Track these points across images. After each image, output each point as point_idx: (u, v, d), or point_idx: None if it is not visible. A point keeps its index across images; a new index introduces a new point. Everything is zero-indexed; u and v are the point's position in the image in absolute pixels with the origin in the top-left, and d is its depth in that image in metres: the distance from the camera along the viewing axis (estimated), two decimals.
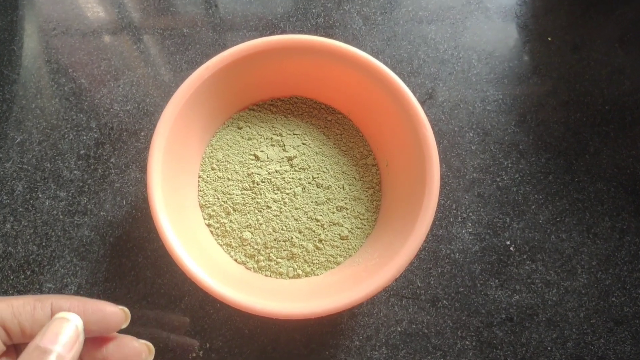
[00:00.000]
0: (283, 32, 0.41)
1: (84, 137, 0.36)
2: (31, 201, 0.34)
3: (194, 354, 0.32)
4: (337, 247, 0.32)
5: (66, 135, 0.36)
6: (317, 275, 0.32)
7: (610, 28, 0.40)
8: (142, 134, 0.37)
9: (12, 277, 0.33)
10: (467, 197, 0.36)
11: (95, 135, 0.36)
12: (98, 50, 0.38)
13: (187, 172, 0.32)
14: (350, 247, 0.32)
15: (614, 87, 0.38)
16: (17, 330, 0.22)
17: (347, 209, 0.33)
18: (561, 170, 0.36)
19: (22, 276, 0.33)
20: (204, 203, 0.32)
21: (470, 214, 0.36)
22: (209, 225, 0.32)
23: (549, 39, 0.39)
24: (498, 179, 0.36)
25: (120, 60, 0.38)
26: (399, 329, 0.33)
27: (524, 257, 0.34)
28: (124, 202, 0.35)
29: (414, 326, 0.33)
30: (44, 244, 0.33)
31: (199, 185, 0.33)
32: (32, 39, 0.38)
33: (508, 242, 0.35)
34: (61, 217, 0.34)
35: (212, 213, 0.32)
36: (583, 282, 0.33)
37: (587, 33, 0.40)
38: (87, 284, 0.33)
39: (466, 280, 0.34)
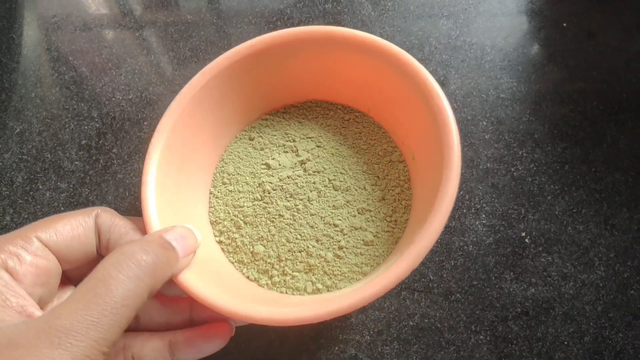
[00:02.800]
0: (290, 19, 0.43)
1: (85, 127, 0.37)
2: (31, 193, 0.35)
3: None
4: (361, 254, 0.30)
5: (67, 125, 0.37)
6: (340, 289, 0.30)
7: (628, 14, 0.42)
8: (145, 123, 0.39)
9: None
10: (480, 187, 0.38)
11: (97, 125, 0.38)
12: (99, 38, 0.41)
13: (196, 188, 0.33)
14: (377, 253, 0.31)
15: (632, 75, 0.40)
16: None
17: (370, 211, 0.31)
18: (578, 160, 0.38)
19: None
20: (214, 219, 0.33)
21: (484, 205, 0.37)
22: (220, 242, 0.32)
23: (564, 25, 0.41)
24: (513, 169, 0.38)
25: (122, 48, 0.40)
26: (411, 323, 0.34)
27: (540, 249, 0.36)
28: (127, 193, 0.36)
29: (427, 320, 0.34)
30: None
31: (210, 202, 0.34)
32: (31, 27, 0.40)
33: (523, 234, 0.36)
34: (62, 208, 0.36)
35: (222, 229, 0.32)
36: (600, 274, 0.35)
37: (604, 19, 0.42)
38: None
39: (480, 273, 0.35)
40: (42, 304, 0.24)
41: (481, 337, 0.33)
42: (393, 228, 0.31)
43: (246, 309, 0.25)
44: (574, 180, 0.37)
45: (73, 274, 0.27)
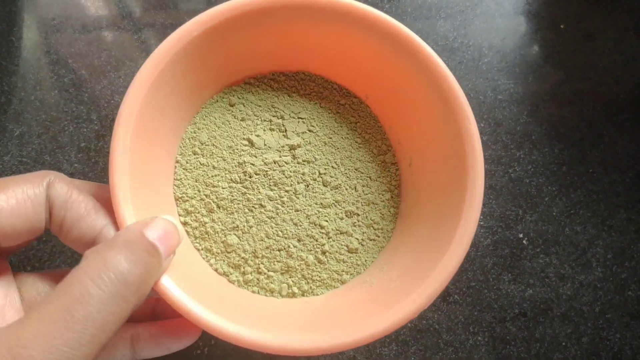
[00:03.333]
0: None
1: (85, 130, 0.38)
2: None
3: (199, 351, 0.33)
4: (343, 261, 0.29)
5: (66, 128, 0.38)
6: (317, 295, 0.29)
7: (625, 15, 0.43)
8: None
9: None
10: None
11: (96, 128, 0.38)
12: (98, 41, 0.40)
13: (161, 155, 0.28)
14: (359, 262, 0.30)
15: (630, 76, 0.41)
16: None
17: (358, 215, 0.30)
18: (575, 161, 0.39)
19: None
20: (180, 195, 0.29)
21: (482, 206, 0.37)
22: (184, 223, 0.28)
23: (562, 26, 0.42)
24: (510, 171, 0.39)
25: (121, 50, 0.40)
26: (409, 325, 0.35)
27: (538, 250, 0.37)
28: None
29: (425, 322, 0.35)
30: (44, 239, 0.35)
31: (175, 173, 0.29)
32: (31, 30, 0.40)
33: (521, 235, 0.37)
34: None
35: (189, 208, 0.29)
36: (598, 275, 0.36)
37: (601, 20, 0.42)
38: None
39: (478, 275, 0.36)
40: None
41: (479, 338, 0.35)
42: (378, 237, 0.30)
43: (237, 332, 0.22)
44: (572, 181, 0.38)
45: (8, 247, 0.22)
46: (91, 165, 0.37)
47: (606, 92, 0.41)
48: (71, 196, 0.23)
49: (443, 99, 0.27)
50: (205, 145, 0.29)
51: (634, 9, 0.43)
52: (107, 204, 0.24)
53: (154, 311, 0.27)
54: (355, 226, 0.30)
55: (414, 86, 0.29)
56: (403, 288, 0.25)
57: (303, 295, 0.28)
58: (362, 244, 0.29)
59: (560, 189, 0.38)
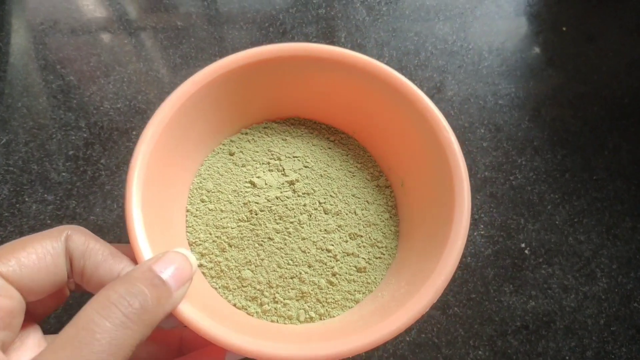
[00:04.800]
0: (282, 24, 0.43)
1: (73, 137, 0.38)
2: (17, 205, 0.36)
3: None
4: (354, 281, 0.32)
5: (54, 135, 0.38)
6: (334, 317, 0.32)
7: (627, 17, 0.44)
8: (134, 133, 0.39)
9: None
10: (478, 197, 0.39)
11: (85, 135, 0.38)
12: (87, 46, 0.41)
13: (172, 207, 0.32)
14: (369, 280, 0.32)
15: (633, 79, 0.41)
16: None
17: (361, 236, 0.33)
18: (578, 168, 0.38)
19: None
20: (193, 240, 0.32)
21: (483, 215, 0.38)
22: (200, 265, 0.31)
23: (564, 29, 0.43)
24: (511, 178, 0.39)
25: (111, 55, 0.41)
26: (408, 339, 0.35)
27: (540, 260, 0.36)
28: (115, 205, 0.36)
29: (424, 335, 0.35)
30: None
31: (187, 221, 0.33)
32: (19, 35, 0.41)
33: (523, 245, 0.37)
34: (49, 221, 0.36)
35: (203, 251, 0.31)
36: (603, 286, 0.35)
37: (603, 22, 0.43)
38: (76, 293, 0.31)
39: (478, 286, 0.36)
40: (4, 347, 0.22)
41: (480, 352, 0.34)
42: (383, 254, 0.33)
43: (265, 348, 0.25)
44: (575, 188, 0.38)
45: (37, 308, 0.25)
46: (79, 174, 0.37)
47: (610, 96, 0.41)
48: (89, 245, 0.25)
49: (425, 128, 0.31)
50: (212, 192, 0.33)
51: (636, 11, 0.44)
52: (125, 252, 0.26)
53: (180, 348, 0.29)
54: (360, 247, 0.33)
55: (396, 115, 0.33)
56: (409, 291, 0.28)
57: (320, 318, 0.31)
58: (369, 263, 0.32)
59: (563, 196, 0.38)
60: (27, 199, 0.36)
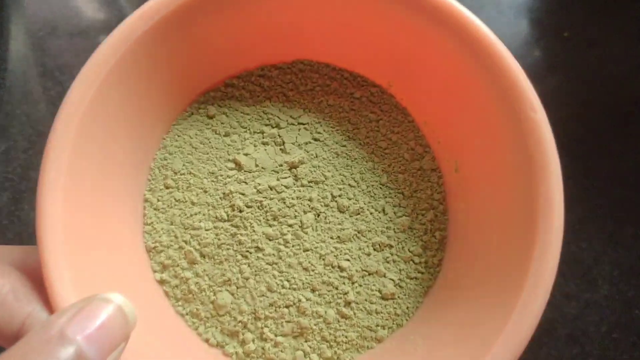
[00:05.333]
0: None
1: None
2: (17, 213, 0.36)
3: None
4: (376, 312, 0.23)
5: None
6: None
7: (630, 23, 0.43)
8: None
9: None
10: None
11: None
12: (86, 52, 0.44)
13: (120, 195, 0.23)
14: (398, 311, 0.23)
15: (636, 85, 0.41)
16: None
17: (391, 246, 0.23)
18: (580, 175, 0.38)
19: None
20: (152, 245, 0.23)
21: None
22: (161, 282, 0.23)
23: (565, 34, 0.42)
24: None
25: None
26: None
27: None
28: None
29: None
30: None
31: (145, 216, 0.25)
32: (17, 41, 0.41)
33: None
34: None
35: (166, 262, 0.23)
36: (604, 294, 0.36)
37: (605, 28, 0.43)
38: None
39: None
40: None
41: None
42: (422, 273, 0.24)
43: None
44: (577, 195, 0.36)
45: None
46: None
47: (612, 102, 0.41)
48: None
49: (496, 81, 0.20)
50: (180, 174, 0.24)
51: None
52: (38, 275, 0.19)
53: None
54: (388, 262, 0.23)
55: (454, 63, 0.22)
56: (460, 356, 0.19)
57: None
58: (399, 286, 0.23)
59: (564, 203, 0.37)
60: (26, 207, 0.36)
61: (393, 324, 0.23)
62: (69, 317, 0.17)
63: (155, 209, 0.24)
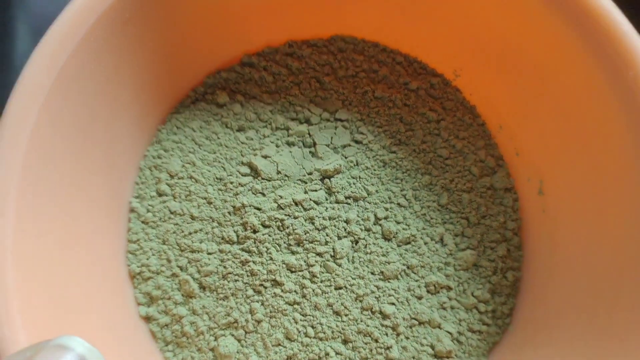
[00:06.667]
0: None
1: None
2: None
3: None
4: None
5: None
6: None
7: (636, 22, 0.42)
8: None
9: None
10: None
11: None
12: None
13: (98, 202, 0.19)
14: None
15: None
16: None
17: (450, 288, 0.20)
18: None
19: None
20: (138, 270, 0.19)
21: None
22: (147, 318, 0.19)
23: None
24: None
25: None
26: None
27: None
28: None
29: None
30: None
31: (129, 230, 0.20)
32: (23, 41, 0.41)
33: None
34: None
35: (154, 292, 0.19)
36: None
37: None
38: None
39: None
40: None
41: None
42: (488, 325, 0.19)
43: None
44: None
45: None
46: None
47: None
48: None
49: (618, 75, 0.15)
50: (178, 178, 0.20)
51: None
52: None
53: None
54: (445, 309, 0.20)
55: (551, 43, 0.18)
56: None
57: None
58: (458, 341, 0.20)
59: None
60: None
61: None
62: None
63: (143, 222, 0.20)
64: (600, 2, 0.16)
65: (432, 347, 0.20)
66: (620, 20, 0.16)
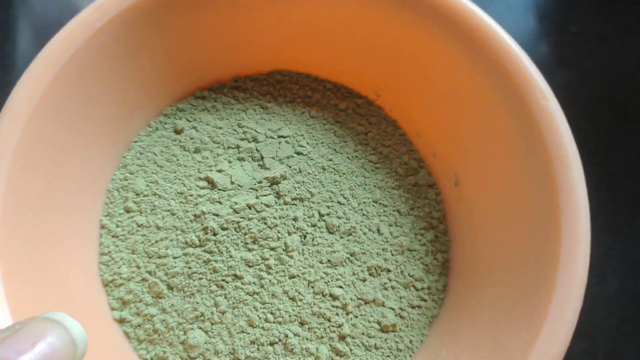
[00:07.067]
0: None
1: None
2: None
3: None
4: (375, 347, 0.21)
5: None
6: None
7: (638, 18, 0.45)
8: None
9: None
10: None
11: None
12: None
13: (71, 220, 0.21)
14: (401, 345, 0.21)
15: None
16: None
17: (389, 270, 0.22)
18: (590, 170, 0.39)
19: None
20: (110, 278, 0.21)
21: None
22: (120, 321, 0.21)
23: (573, 30, 0.43)
24: None
25: None
26: None
27: None
28: None
29: None
30: None
31: (101, 244, 0.22)
32: (25, 40, 0.42)
33: None
34: None
35: (126, 297, 0.21)
36: (614, 287, 0.37)
37: (613, 23, 0.44)
38: None
39: None
40: None
41: None
42: (425, 300, 0.22)
43: None
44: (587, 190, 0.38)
45: None
46: None
47: (621, 97, 0.42)
48: None
49: (498, 72, 0.19)
50: (144, 195, 0.22)
51: None
52: None
53: None
54: (386, 289, 0.22)
55: (450, 61, 0.22)
56: None
57: None
58: (401, 316, 0.22)
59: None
60: None
61: None
62: (3, 338, 0.15)
63: (113, 237, 0.22)
64: (486, 22, 0.20)
65: (379, 322, 0.21)
66: (500, 31, 0.20)
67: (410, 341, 0.21)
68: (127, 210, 0.22)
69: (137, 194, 0.22)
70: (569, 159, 0.18)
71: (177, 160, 0.23)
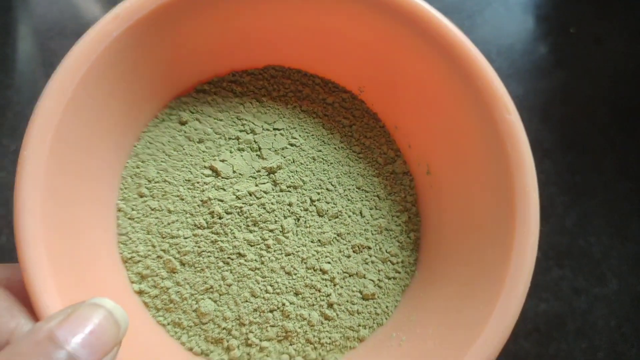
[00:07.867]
0: None
1: None
2: None
3: None
4: (358, 312, 0.26)
5: None
6: None
7: (636, 19, 0.47)
8: None
9: None
10: None
11: None
12: None
13: (93, 206, 0.24)
14: (379, 310, 0.26)
15: None
16: None
17: (369, 248, 0.26)
18: (587, 170, 0.41)
19: None
20: (129, 256, 0.24)
21: None
22: (140, 292, 0.24)
23: (572, 30, 0.45)
24: None
25: None
26: None
27: (551, 263, 0.39)
28: None
29: None
30: None
31: (118, 226, 0.26)
32: (26, 42, 0.43)
33: None
34: None
35: (144, 272, 0.24)
36: (613, 288, 0.38)
37: (611, 24, 0.46)
38: None
39: None
40: None
41: None
42: (399, 272, 0.26)
43: None
44: (585, 190, 0.40)
45: None
46: None
47: (618, 97, 0.43)
48: None
49: (470, 85, 0.23)
50: (155, 182, 0.25)
51: None
52: (23, 292, 0.20)
53: None
54: (367, 264, 0.26)
55: (426, 67, 0.25)
56: (446, 353, 0.22)
57: None
58: (379, 286, 0.26)
59: (573, 198, 0.40)
60: None
61: (374, 323, 0.26)
62: (58, 322, 0.17)
63: (129, 219, 0.25)
64: (455, 33, 0.23)
65: (360, 292, 0.25)
66: (468, 43, 0.23)
67: (387, 307, 0.26)
68: (141, 195, 0.25)
69: (149, 181, 0.25)
70: (524, 162, 0.22)
71: (184, 149, 0.26)
